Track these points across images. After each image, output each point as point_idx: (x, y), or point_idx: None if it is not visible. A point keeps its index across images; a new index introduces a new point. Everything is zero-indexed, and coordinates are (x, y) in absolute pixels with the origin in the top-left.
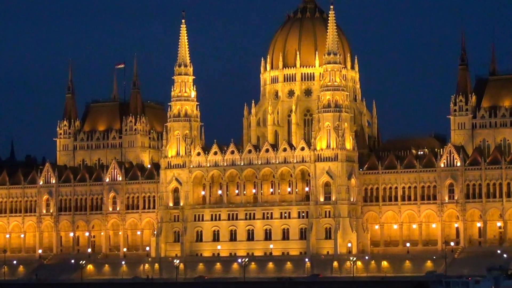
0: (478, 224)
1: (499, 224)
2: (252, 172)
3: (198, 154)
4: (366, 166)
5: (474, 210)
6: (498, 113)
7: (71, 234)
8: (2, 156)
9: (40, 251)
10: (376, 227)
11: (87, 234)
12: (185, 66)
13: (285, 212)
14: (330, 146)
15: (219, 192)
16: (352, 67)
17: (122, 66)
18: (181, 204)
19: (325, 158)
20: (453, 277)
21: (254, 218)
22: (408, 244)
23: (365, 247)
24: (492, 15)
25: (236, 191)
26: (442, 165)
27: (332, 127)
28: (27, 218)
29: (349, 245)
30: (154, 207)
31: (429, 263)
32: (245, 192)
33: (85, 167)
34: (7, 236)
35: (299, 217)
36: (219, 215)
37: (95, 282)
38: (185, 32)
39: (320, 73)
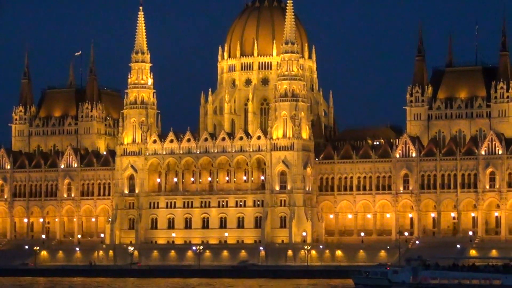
0: (432, 215)
1: (453, 214)
2: (208, 160)
3: (154, 141)
4: (322, 155)
5: (429, 200)
6: (454, 105)
7: (26, 220)
8: None
9: None
10: (331, 216)
11: (41, 220)
12: (142, 53)
13: (241, 201)
14: (286, 135)
15: (175, 180)
16: (310, 57)
17: (79, 53)
18: (137, 191)
19: (281, 147)
20: (373, 267)
21: (209, 206)
22: (362, 234)
23: (320, 236)
24: (450, 6)
25: (192, 179)
26: (397, 156)
27: (288, 116)
28: None
29: (304, 234)
30: (109, 194)
31: (383, 253)
32: (200, 180)
33: (40, 153)
34: None
35: (254, 206)
36: (174, 202)
37: (49, 268)
38: (143, 19)
39: (277, 63)
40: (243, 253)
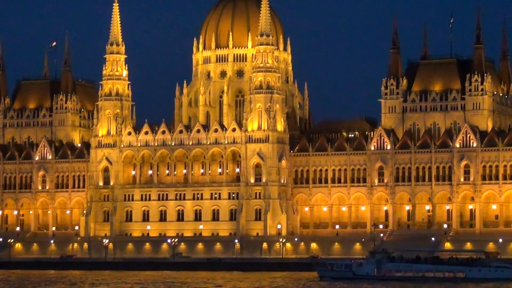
0: (407, 207)
1: (427, 207)
2: (183, 152)
3: (129, 133)
4: (297, 148)
5: (403, 193)
6: (428, 97)
7: (0, 212)
8: None
9: None
10: (306, 209)
11: (15, 212)
12: (117, 45)
13: (216, 193)
14: (261, 127)
15: (150, 172)
16: (285, 49)
17: (54, 44)
18: (111, 183)
19: (256, 140)
20: (338, 260)
21: (184, 199)
22: (337, 227)
23: (295, 229)
24: None
25: (167, 171)
26: (372, 148)
27: (263, 108)
28: None
29: (279, 226)
30: (84, 186)
31: (358, 246)
32: (175, 173)
33: (15, 145)
34: None
35: (229, 198)
36: (149, 195)
37: (23, 261)
38: (118, 10)
39: (252, 54)
40: (218, 246)
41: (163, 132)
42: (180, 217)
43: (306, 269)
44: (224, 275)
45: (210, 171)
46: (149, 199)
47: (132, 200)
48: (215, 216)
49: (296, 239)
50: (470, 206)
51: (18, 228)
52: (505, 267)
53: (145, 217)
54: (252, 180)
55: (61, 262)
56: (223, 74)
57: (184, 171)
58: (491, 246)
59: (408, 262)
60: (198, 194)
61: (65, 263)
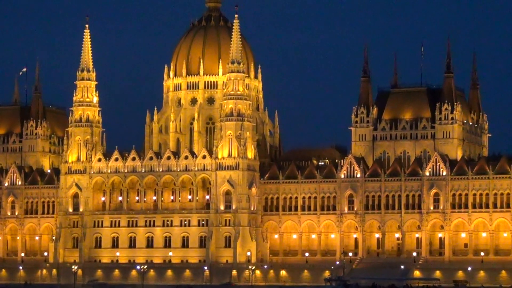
0: (377, 235)
1: (397, 235)
2: (153, 179)
3: (99, 160)
4: (267, 175)
5: (373, 221)
6: (398, 126)
7: None
8: None
9: None
10: (276, 236)
11: None
12: (88, 71)
13: (185, 220)
14: (231, 154)
15: (119, 198)
16: (256, 77)
17: (24, 70)
18: (81, 209)
19: (226, 167)
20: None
21: (154, 225)
22: (307, 254)
23: (264, 256)
24: (395, 28)
25: (137, 198)
26: (342, 176)
27: (234, 136)
28: None
29: (249, 253)
30: (53, 213)
31: (327, 273)
32: (145, 199)
33: None
34: None
35: (199, 225)
36: (119, 221)
37: None
38: (89, 37)
39: (223, 82)
40: (187, 273)
41: (133, 159)
42: (149, 243)
43: None
44: None
45: (180, 198)
46: (119, 226)
47: (102, 226)
48: (185, 243)
49: (265, 266)
50: (440, 234)
51: None
52: None
53: (115, 244)
54: (222, 207)
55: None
56: (193, 101)
57: (154, 197)
58: (460, 274)
59: None
60: (168, 220)
61: None
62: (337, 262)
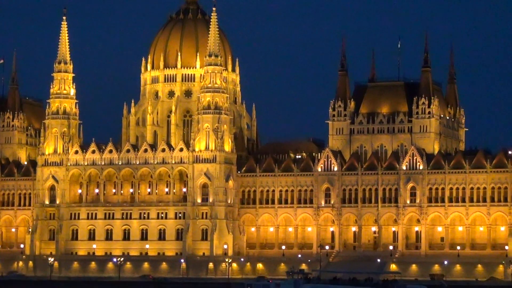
0: (353, 229)
1: (374, 229)
2: (130, 171)
3: (76, 152)
4: (244, 168)
5: (350, 214)
6: (375, 120)
7: None
8: None
9: None
10: (253, 229)
11: None
12: (65, 63)
13: (162, 213)
14: (208, 147)
15: (96, 191)
16: (233, 70)
17: (1, 61)
18: (57, 202)
19: (203, 160)
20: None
21: (130, 218)
22: (283, 247)
23: (241, 249)
24: (373, 22)
25: (114, 190)
26: (319, 170)
27: (211, 128)
28: None
29: (225, 246)
30: (30, 205)
31: (304, 266)
32: (122, 192)
33: None
34: None
35: (176, 218)
36: (96, 214)
37: None
38: (66, 29)
39: (200, 75)
40: (164, 266)
41: (110, 151)
42: (126, 236)
43: None
44: None
45: (157, 191)
46: (95, 218)
47: (78, 218)
48: (162, 236)
49: (242, 259)
50: (416, 228)
51: None
52: None
53: (91, 236)
54: (199, 200)
55: (6, 280)
56: (171, 94)
57: (131, 190)
58: (436, 268)
59: (325, 283)
60: (144, 213)
61: (10, 281)
62: (314, 255)
